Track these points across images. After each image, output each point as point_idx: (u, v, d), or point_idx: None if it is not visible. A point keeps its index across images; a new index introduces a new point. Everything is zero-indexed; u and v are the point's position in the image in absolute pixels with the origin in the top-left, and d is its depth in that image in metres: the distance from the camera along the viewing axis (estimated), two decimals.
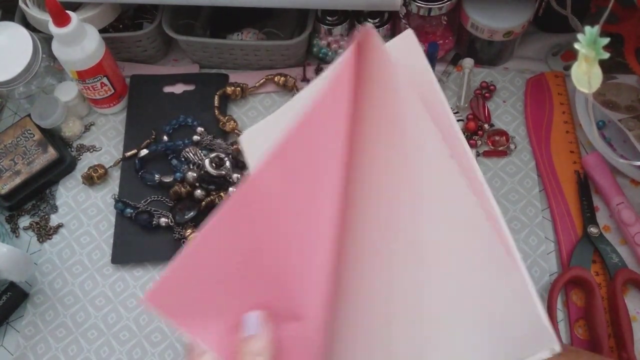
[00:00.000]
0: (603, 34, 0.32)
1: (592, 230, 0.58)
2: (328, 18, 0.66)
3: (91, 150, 0.67)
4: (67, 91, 0.67)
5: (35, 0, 0.67)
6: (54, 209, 0.64)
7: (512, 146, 0.63)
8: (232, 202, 0.29)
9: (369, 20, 0.65)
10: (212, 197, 0.61)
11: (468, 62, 0.66)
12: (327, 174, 0.28)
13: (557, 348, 0.27)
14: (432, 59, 0.64)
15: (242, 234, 0.30)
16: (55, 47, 0.61)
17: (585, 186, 0.60)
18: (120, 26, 0.72)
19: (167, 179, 0.62)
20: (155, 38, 0.70)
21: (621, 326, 0.52)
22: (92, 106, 0.69)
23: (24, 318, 0.59)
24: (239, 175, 0.62)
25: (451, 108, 0.67)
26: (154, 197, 0.63)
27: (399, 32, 0.68)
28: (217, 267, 0.31)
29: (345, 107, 0.28)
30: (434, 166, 0.30)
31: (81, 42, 0.60)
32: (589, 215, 0.59)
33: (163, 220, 0.61)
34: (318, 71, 0.69)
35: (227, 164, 0.62)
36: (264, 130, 0.37)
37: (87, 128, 0.69)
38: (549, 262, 0.58)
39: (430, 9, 0.62)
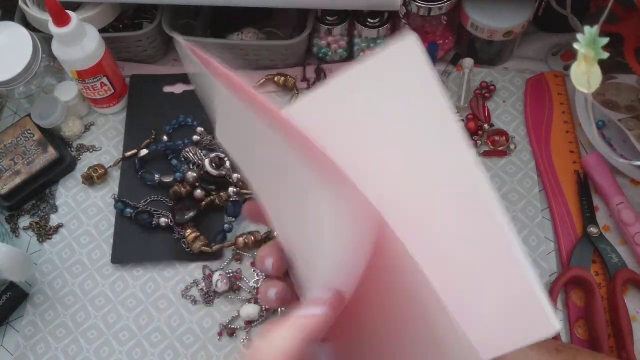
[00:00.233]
0: (603, 34, 0.32)
1: (592, 230, 0.58)
2: (328, 18, 0.66)
3: (91, 150, 0.67)
4: (67, 91, 0.67)
5: (35, 0, 0.67)
6: (54, 209, 0.64)
7: (512, 146, 0.63)
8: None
9: (369, 20, 0.65)
10: (212, 197, 0.61)
11: (468, 62, 0.66)
12: None
13: (557, 325, 0.27)
14: (432, 58, 0.64)
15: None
16: (55, 47, 0.61)
17: (585, 186, 0.60)
18: (120, 26, 0.72)
19: (167, 179, 0.62)
20: (155, 38, 0.70)
21: (621, 326, 0.52)
22: (92, 106, 0.69)
23: (24, 318, 0.59)
24: (239, 175, 0.62)
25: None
26: (154, 197, 0.63)
27: (399, 32, 0.68)
28: None
29: None
30: None
31: (81, 42, 0.60)
32: (589, 215, 0.59)
33: (163, 220, 0.61)
34: (318, 71, 0.69)
35: (227, 164, 0.62)
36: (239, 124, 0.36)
37: (87, 128, 0.69)
38: (549, 262, 0.58)
39: (430, 9, 0.62)
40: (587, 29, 0.32)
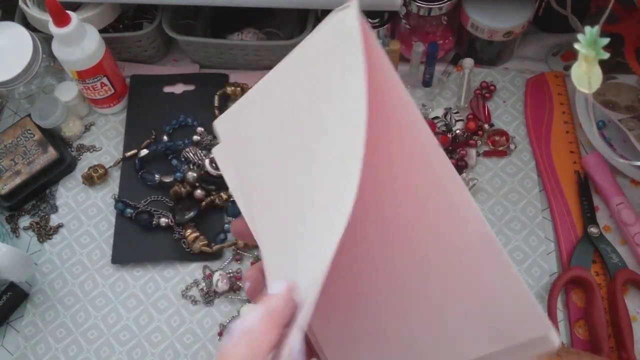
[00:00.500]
0: (603, 34, 0.32)
1: (592, 230, 0.58)
2: None
3: (91, 150, 0.67)
4: (67, 91, 0.67)
5: (35, 0, 0.67)
6: (54, 209, 0.64)
7: (512, 146, 0.63)
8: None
9: (369, 20, 0.65)
10: (212, 197, 0.61)
11: (468, 62, 0.66)
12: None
13: (555, 340, 0.27)
14: (432, 58, 0.64)
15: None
16: (55, 47, 0.61)
17: (585, 186, 0.60)
18: (120, 26, 0.72)
19: (167, 179, 0.62)
20: (155, 38, 0.70)
21: (621, 326, 0.52)
22: (92, 106, 0.69)
23: (24, 318, 0.59)
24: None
25: (451, 108, 0.67)
26: (154, 197, 0.63)
27: (399, 32, 0.68)
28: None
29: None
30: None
31: (81, 42, 0.60)
32: (589, 215, 0.59)
33: (163, 220, 0.61)
34: None
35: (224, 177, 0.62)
36: (240, 115, 0.35)
37: (87, 128, 0.69)
38: (549, 262, 0.58)
39: (430, 9, 0.62)
40: (587, 29, 0.32)
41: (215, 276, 0.58)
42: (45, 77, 0.66)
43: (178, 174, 0.62)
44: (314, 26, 0.67)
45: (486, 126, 0.64)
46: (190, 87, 0.69)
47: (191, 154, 0.63)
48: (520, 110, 0.66)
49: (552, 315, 0.53)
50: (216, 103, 0.67)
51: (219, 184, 0.62)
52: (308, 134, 0.29)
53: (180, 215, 0.61)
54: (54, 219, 0.64)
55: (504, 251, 0.27)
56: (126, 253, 0.61)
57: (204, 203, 0.61)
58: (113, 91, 0.66)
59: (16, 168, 0.63)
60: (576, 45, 0.32)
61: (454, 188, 0.27)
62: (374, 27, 0.65)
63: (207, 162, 0.62)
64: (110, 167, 0.65)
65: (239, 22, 0.72)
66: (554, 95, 0.66)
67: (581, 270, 0.55)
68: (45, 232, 0.63)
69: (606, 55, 0.32)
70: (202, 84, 0.69)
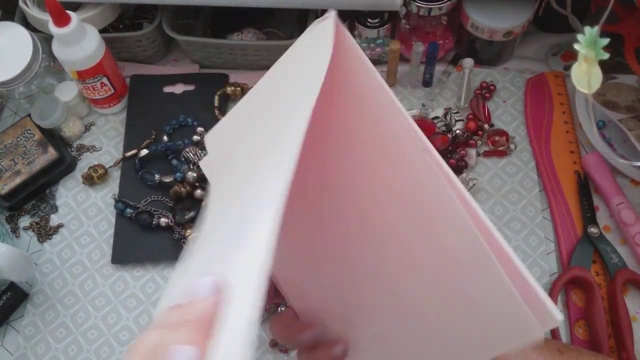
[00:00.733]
0: (603, 34, 0.32)
1: (592, 230, 0.57)
2: None
3: (91, 150, 0.67)
4: (67, 91, 0.67)
5: (35, 0, 0.67)
6: (54, 209, 0.64)
7: (512, 146, 0.63)
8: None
9: (369, 20, 0.65)
10: None
11: (468, 62, 0.66)
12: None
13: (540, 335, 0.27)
14: (432, 58, 0.64)
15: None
16: (55, 47, 0.61)
17: (585, 186, 0.60)
18: (120, 26, 0.72)
19: (167, 179, 0.62)
20: (155, 38, 0.70)
21: (621, 326, 0.52)
22: (92, 106, 0.69)
23: (24, 318, 0.59)
24: None
25: (451, 108, 0.67)
26: (154, 197, 0.63)
27: (399, 32, 0.68)
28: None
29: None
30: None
31: (81, 42, 0.60)
32: (589, 215, 0.59)
33: (163, 220, 0.61)
34: None
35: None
36: (229, 129, 0.35)
37: (87, 128, 0.69)
38: (549, 262, 0.58)
39: (430, 9, 0.62)
40: (587, 29, 0.32)
41: None
42: (45, 77, 0.66)
43: (178, 174, 0.62)
44: None
45: (486, 126, 0.64)
46: (190, 87, 0.69)
47: (191, 154, 0.63)
48: (520, 110, 0.66)
49: None
50: (216, 103, 0.67)
51: None
52: (274, 135, 0.29)
53: (180, 215, 0.61)
54: (54, 219, 0.64)
55: (490, 255, 0.26)
56: (126, 253, 0.61)
57: (204, 203, 0.61)
58: (113, 91, 0.66)
59: (16, 168, 0.63)
60: (576, 46, 0.32)
61: (437, 189, 0.27)
62: (374, 27, 0.65)
63: None
64: (110, 167, 0.65)
65: (239, 22, 0.72)
66: (554, 95, 0.66)
67: (581, 270, 0.55)
68: (45, 232, 0.63)
69: (606, 56, 0.32)
70: (202, 84, 0.69)
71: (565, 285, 0.55)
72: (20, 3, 0.66)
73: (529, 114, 0.65)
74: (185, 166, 0.63)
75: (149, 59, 0.72)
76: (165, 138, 0.66)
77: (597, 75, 0.33)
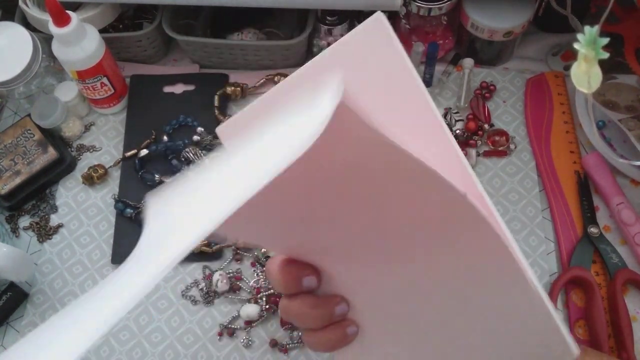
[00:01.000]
0: (603, 34, 0.32)
1: (592, 230, 0.57)
2: (328, 18, 0.66)
3: (91, 150, 0.67)
4: (67, 91, 0.67)
5: (35, 0, 0.67)
6: (54, 209, 0.64)
7: (512, 146, 0.63)
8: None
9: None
10: None
11: (468, 62, 0.66)
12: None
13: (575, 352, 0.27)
14: (432, 58, 0.64)
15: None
16: (55, 47, 0.61)
17: (585, 186, 0.60)
18: (120, 26, 0.72)
19: (167, 179, 0.62)
20: (155, 38, 0.70)
21: (621, 326, 0.52)
22: (92, 106, 0.69)
23: (24, 318, 0.59)
24: None
25: (451, 108, 0.67)
26: None
27: (399, 32, 0.68)
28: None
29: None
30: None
31: (81, 42, 0.60)
32: (589, 215, 0.59)
33: None
34: None
35: None
36: (245, 122, 0.35)
37: (87, 128, 0.69)
38: (549, 262, 0.58)
39: (430, 9, 0.62)
40: (587, 28, 0.32)
41: (215, 276, 0.58)
42: (45, 77, 0.66)
43: (178, 174, 0.62)
44: (314, 26, 0.67)
45: (486, 126, 0.64)
46: (190, 87, 0.69)
47: (191, 154, 0.63)
48: (520, 110, 0.66)
49: None
50: (216, 103, 0.67)
51: None
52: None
53: None
54: (54, 219, 0.64)
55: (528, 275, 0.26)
56: (126, 253, 0.60)
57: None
58: (113, 91, 0.66)
59: (16, 168, 0.63)
60: (576, 45, 0.32)
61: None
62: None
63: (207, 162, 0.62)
64: (110, 167, 0.65)
65: (239, 22, 0.72)
66: (554, 95, 0.66)
67: (581, 270, 0.55)
68: (45, 232, 0.63)
69: (606, 55, 0.32)
70: (202, 84, 0.69)
71: (565, 285, 0.55)
72: (20, 3, 0.66)
73: (529, 114, 0.65)
74: (185, 166, 0.63)
75: (149, 59, 0.72)
76: (165, 138, 0.66)
77: (597, 75, 0.33)
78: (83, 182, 0.65)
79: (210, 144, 0.65)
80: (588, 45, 0.32)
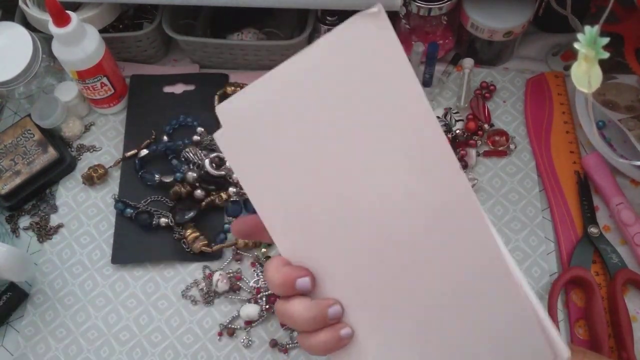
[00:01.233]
0: (603, 33, 0.32)
1: (592, 230, 0.57)
2: (328, 18, 0.66)
3: (91, 150, 0.67)
4: (67, 91, 0.67)
5: (35, 0, 0.67)
6: (54, 209, 0.64)
7: (512, 146, 0.63)
8: None
9: None
10: (212, 197, 0.61)
11: (468, 62, 0.66)
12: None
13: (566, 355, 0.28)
14: (432, 58, 0.64)
15: None
16: (55, 47, 0.61)
17: (585, 186, 0.60)
18: (120, 26, 0.72)
19: (167, 179, 0.62)
20: (155, 38, 0.70)
21: (621, 326, 0.52)
22: (92, 106, 0.69)
23: (24, 318, 0.58)
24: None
25: (451, 108, 0.67)
26: (154, 197, 0.63)
27: (399, 32, 0.68)
28: None
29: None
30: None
31: (81, 42, 0.60)
32: (589, 215, 0.59)
33: (163, 220, 0.61)
34: None
35: (227, 164, 0.62)
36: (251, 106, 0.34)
37: (87, 128, 0.69)
38: (549, 262, 0.58)
39: (430, 9, 0.62)
40: (587, 28, 0.32)
41: (215, 276, 0.58)
42: (45, 77, 0.66)
43: (178, 174, 0.62)
44: (314, 26, 0.67)
45: (486, 126, 0.64)
46: (190, 87, 0.69)
47: (191, 154, 0.63)
48: (520, 110, 0.66)
49: (552, 315, 0.53)
50: (216, 103, 0.67)
51: (219, 184, 0.62)
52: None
53: (180, 215, 0.61)
54: (54, 219, 0.64)
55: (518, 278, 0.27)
56: (126, 253, 0.61)
57: (204, 203, 0.61)
58: (113, 91, 0.66)
59: (16, 168, 0.63)
60: (576, 45, 0.32)
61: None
62: None
63: (207, 162, 0.62)
64: (110, 167, 0.65)
65: (239, 22, 0.72)
66: (554, 95, 0.66)
67: (581, 270, 0.55)
68: (45, 232, 0.63)
69: (606, 55, 0.32)
70: (202, 84, 0.69)
71: (565, 285, 0.55)
72: (20, 3, 0.66)
73: (529, 114, 0.65)
74: (185, 166, 0.63)
75: (149, 59, 0.72)
76: (165, 138, 0.66)
77: (597, 74, 0.33)
78: (83, 182, 0.65)
79: (210, 144, 0.65)
80: (588, 45, 0.32)
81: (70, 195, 0.65)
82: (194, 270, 0.60)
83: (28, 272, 0.58)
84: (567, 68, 0.69)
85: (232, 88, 0.68)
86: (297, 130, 0.30)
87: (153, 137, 0.66)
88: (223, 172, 0.62)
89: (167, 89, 0.69)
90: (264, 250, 0.60)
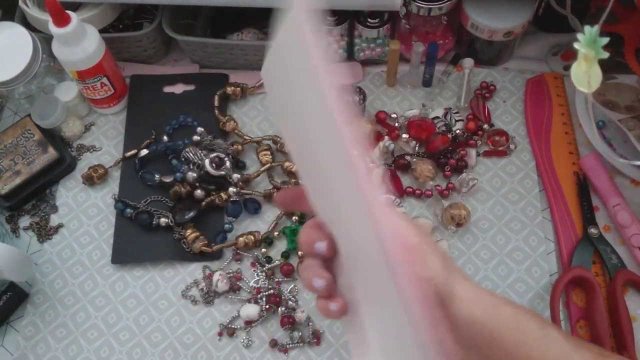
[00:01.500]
0: (603, 34, 0.32)
1: (592, 231, 0.57)
2: (328, 18, 0.66)
3: (91, 150, 0.67)
4: (67, 91, 0.67)
5: (35, 0, 0.67)
6: (54, 209, 0.64)
7: (512, 146, 0.63)
8: None
9: (369, 20, 0.65)
10: (212, 197, 0.61)
11: (468, 62, 0.66)
12: None
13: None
14: (432, 58, 0.64)
15: None
16: (55, 47, 0.61)
17: (584, 187, 0.60)
18: (120, 26, 0.72)
19: (167, 179, 0.62)
20: (155, 38, 0.70)
21: (621, 326, 0.52)
22: (92, 106, 0.69)
23: (24, 318, 0.58)
24: (239, 176, 0.62)
25: (451, 108, 0.67)
26: (154, 197, 0.63)
27: (399, 32, 0.68)
28: None
29: None
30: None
31: (81, 42, 0.60)
32: (588, 215, 0.59)
33: (163, 220, 0.61)
34: None
35: (227, 164, 0.62)
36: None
37: (87, 128, 0.69)
38: (549, 262, 0.58)
39: (430, 9, 0.62)
40: (587, 28, 0.32)
41: (215, 276, 0.58)
42: (45, 77, 0.66)
43: (178, 174, 0.62)
44: None
45: (486, 126, 0.64)
46: (190, 87, 0.69)
47: (191, 154, 0.63)
48: (520, 110, 0.66)
49: (554, 315, 0.53)
50: (216, 103, 0.67)
51: (219, 184, 0.62)
52: None
53: (180, 215, 0.61)
54: (54, 219, 0.64)
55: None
56: (126, 253, 0.61)
57: (204, 203, 0.61)
58: (113, 91, 0.66)
59: (16, 168, 0.63)
60: (576, 44, 0.32)
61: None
62: (374, 27, 0.65)
63: (207, 162, 0.61)
64: (110, 167, 0.65)
65: (239, 22, 0.72)
66: (554, 95, 0.66)
67: (582, 270, 0.55)
68: (45, 232, 0.63)
69: (606, 55, 0.32)
70: (202, 84, 0.69)
71: (565, 286, 0.55)
72: (20, 3, 0.66)
73: (528, 114, 0.65)
74: (185, 166, 0.63)
75: (149, 59, 0.72)
76: (165, 138, 0.66)
77: (597, 74, 0.33)
78: (83, 182, 0.65)
79: (210, 144, 0.65)
80: (588, 45, 0.32)
81: (70, 195, 0.65)
82: (194, 270, 0.60)
83: (28, 272, 0.58)
84: (567, 68, 0.69)
85: (232, 88, 0.68)
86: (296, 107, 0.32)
87: (153, 137, 0.66)
88: (223, 172, 0.62)
89: (167, 89, 0.69)
90: (263, 250, 0.60)
